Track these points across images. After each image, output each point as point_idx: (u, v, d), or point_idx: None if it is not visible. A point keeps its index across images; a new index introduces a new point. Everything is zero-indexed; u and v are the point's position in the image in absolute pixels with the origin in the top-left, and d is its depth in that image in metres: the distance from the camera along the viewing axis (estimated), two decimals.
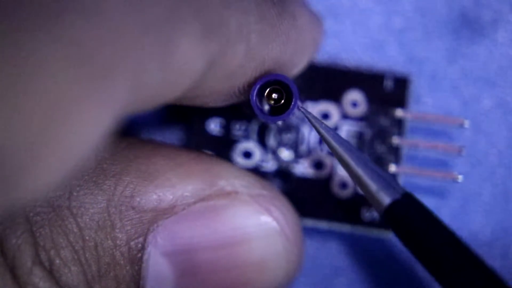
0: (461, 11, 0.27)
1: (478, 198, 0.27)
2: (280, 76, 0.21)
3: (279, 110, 0.22)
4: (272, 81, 0.21)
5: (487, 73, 0.27)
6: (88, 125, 0.15)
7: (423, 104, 0.27)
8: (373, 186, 0.22)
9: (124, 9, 0.16)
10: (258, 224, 0.23)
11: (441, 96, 0.27)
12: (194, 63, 0.18)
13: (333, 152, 0.22)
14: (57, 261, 0.21)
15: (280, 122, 0.26)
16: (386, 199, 0.22)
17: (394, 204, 0.22)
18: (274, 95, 0.22)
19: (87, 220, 0.21)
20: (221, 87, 0.21)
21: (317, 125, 0.22)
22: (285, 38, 0.22)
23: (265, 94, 0.22)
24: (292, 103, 0.21)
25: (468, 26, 0.27)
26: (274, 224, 0.23)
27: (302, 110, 0.22)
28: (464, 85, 0.27)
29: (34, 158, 0.14)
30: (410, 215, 0.22)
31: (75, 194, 0.22)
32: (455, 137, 0.27)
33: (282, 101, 0.22)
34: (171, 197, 0.22)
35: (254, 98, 0.21)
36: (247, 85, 0.21)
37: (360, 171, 0.22)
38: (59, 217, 0.21)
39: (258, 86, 0.21)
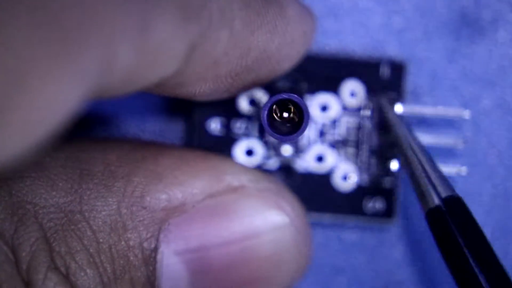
0: (461, 11, 0.27)
1: (478, 198, 0.27)
2: (291, 95, 0.21)
3: (290, 127, 0.22)
4: (283, 100, 0.21)
5: (487, 73, 0.27)
6: (54, 95, 0.14)
7: (423, 104, 0.27)
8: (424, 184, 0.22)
9: None
10: (267, 217, 0.23)
11: (441, 96, 0.27)
12: (173, 46, 0.18)
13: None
14: (73, 265, 0.21)
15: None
16: (434, 199, 0.22)
17: (438, 208, 0.22)
18: (285, 114, 0.22)
19: (100, 223, 0.21)
20: (206, 75, 0.20)
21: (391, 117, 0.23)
22: (271, 27, 0.21)
23: (277, 112, 0.22)
24: (304, 122, 0.21)
25: (468, 26, 0.27)
26: (283, 216, 0.23)
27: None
28: (464, 85, 0.27)
29: None
30: (452, 219, 0.22)
31: (85, 198, 0.21)
32: (455, 137, 0.27)
33: (290, 115, 0.22)
34: (180, 195, 0.22)
35: (265, 117, 0.21)
36: (234, 74, 0.21)
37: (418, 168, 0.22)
38: (72, 222, 0.21)
39: (269, 105, 0.21)
